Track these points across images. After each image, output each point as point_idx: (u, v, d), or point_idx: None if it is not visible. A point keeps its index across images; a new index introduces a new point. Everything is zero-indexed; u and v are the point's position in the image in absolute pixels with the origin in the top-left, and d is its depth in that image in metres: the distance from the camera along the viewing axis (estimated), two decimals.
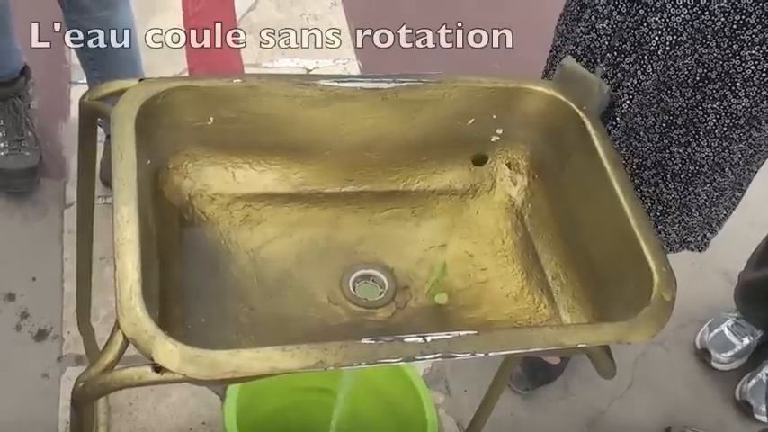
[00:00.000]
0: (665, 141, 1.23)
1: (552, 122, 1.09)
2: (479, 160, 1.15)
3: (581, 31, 1.19)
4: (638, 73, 1.14)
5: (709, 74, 1.12)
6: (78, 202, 1.19)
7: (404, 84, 1.05)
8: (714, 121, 1.17)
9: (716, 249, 1.46)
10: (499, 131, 1.13)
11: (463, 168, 1.15)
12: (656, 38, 1.10)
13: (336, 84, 1.02)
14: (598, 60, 1.16)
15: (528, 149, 1.13)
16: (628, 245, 0.95)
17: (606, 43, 1.15)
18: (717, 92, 1.14)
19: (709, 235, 1.39)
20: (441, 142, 1.12)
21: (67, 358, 1.61)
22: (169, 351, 0.76)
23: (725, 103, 1.14)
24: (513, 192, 1.15)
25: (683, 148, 1.22)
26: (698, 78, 1.13)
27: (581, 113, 1.06)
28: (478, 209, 1.15)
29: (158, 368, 0.76)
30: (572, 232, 1.06)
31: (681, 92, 1.15)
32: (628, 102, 1.17)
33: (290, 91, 1.01)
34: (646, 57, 1.12)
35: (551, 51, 1.34)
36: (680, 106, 1.17)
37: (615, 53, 1.15)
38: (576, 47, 1.19)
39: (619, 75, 1.16)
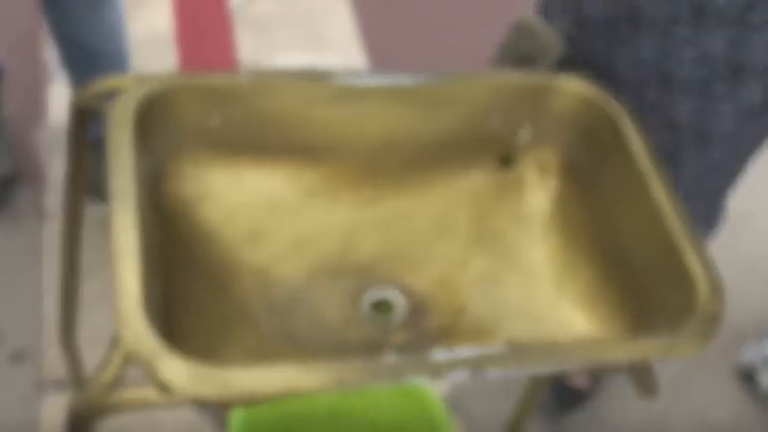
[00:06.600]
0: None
1: (586, 121, 1.12)
2: (506, 163, 1.18)
3: None
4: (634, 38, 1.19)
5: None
6: (66, 211, 1.21)
7: (424, 80, 1.08)
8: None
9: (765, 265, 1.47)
10: (528, 131, 1.15)
11: (488, 173, 1.18)
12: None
13: (352, 80, 1.05)
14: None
15: (560, 151, 1.16)
16: (671, 251, 0.97)
17: None
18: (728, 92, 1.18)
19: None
20: (464, 144, 1.15)
21: (48, 383, 1.63)
22: (176, 368, 0.78)
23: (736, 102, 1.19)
24: (543, 198, 1.17)
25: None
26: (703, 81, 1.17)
27: (618, 110, 1.08)
28: (504, 221, 1.18)
29: (163, 387, 0.78)
30: (609, 240, 1.09)
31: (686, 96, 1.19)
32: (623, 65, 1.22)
33: (303, 88, 1.04)
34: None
35: None
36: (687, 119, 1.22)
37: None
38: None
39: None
